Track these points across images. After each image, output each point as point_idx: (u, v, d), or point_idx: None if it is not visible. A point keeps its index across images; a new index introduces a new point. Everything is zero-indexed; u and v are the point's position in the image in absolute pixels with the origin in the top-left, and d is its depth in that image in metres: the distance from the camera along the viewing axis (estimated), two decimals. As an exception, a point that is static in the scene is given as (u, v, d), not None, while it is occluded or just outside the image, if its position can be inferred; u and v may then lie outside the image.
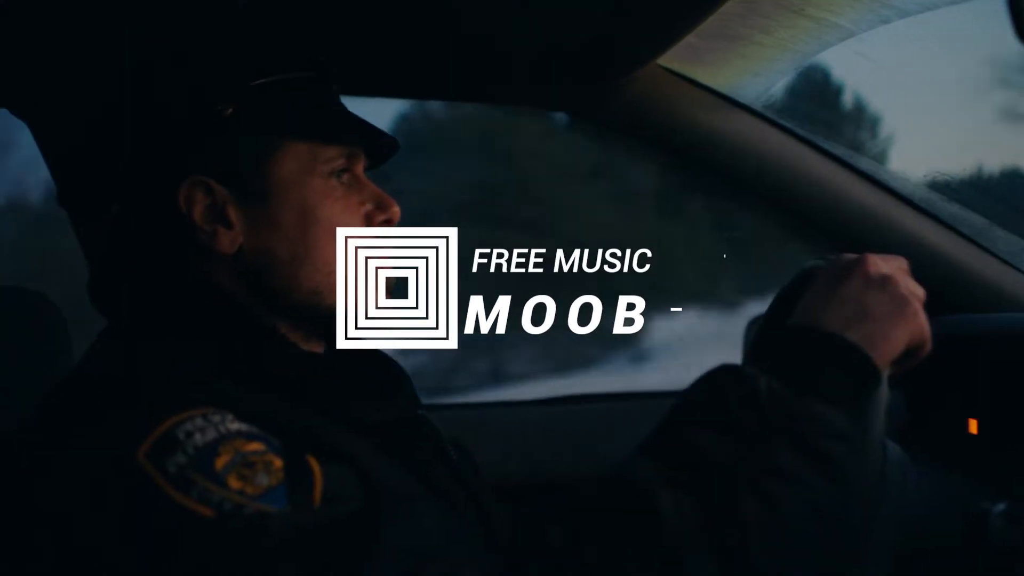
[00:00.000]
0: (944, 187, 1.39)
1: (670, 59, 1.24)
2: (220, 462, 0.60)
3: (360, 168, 0.81)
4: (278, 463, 0.61)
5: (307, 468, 0.63)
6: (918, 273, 0.68)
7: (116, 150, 0.75)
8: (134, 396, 0.64)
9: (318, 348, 0.81)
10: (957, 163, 1.55)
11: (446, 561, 0.61)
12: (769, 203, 1.39)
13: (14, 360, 0.82)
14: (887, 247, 1.39)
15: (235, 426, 0.62)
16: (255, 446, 0.62)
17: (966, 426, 1.18)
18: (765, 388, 0.62)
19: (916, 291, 0.68)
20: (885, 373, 0.65)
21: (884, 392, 0.65)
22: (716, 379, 0.64)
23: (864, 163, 1.38)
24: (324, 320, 0.79)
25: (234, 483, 0.59)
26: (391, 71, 1.26)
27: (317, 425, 0.69)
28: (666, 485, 0.59)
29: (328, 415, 0.71)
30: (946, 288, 1.39)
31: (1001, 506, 0.93)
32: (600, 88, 1.28)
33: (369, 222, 0.79)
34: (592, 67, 1.23)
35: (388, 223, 0.80)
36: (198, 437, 0.60)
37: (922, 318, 0.67)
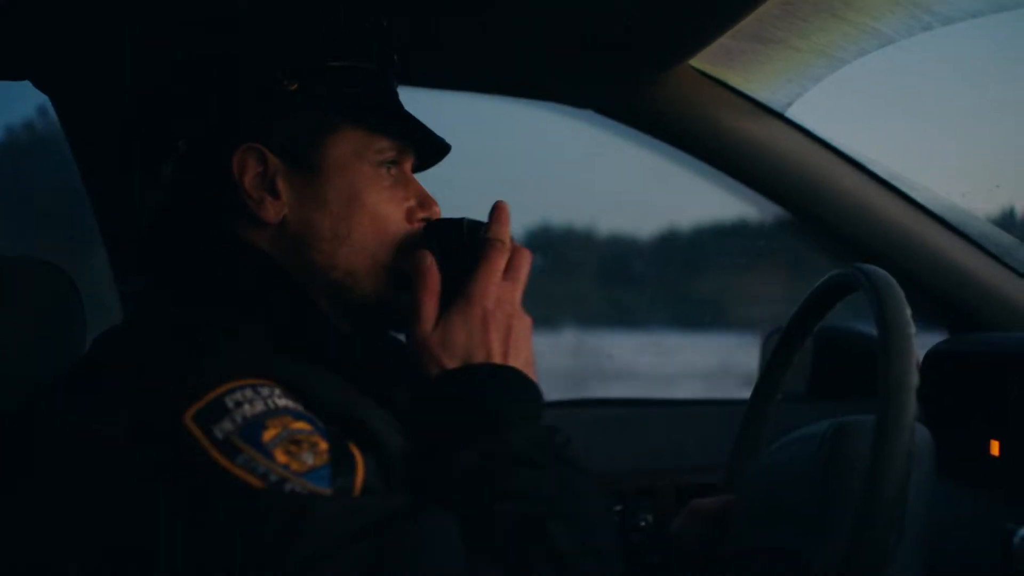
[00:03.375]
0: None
1: (702, 60, 1.22)
2: (268, 435, 0.60)
3: (408, 166, 0.83)
4: (323, 445, 0.62)
5: (351, 456, 0.63)
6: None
7: (179, 108, 0.77)
8: (187, 357, 0.65)
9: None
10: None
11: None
12: (795, 211, 1.38)
13: (29, 331, 0.81)
14: (912, 261, 1.39)
15: (283, 402, 0.63)
16: (302, 425, 0.62)
17: (988, 447, 1.15)
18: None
19: None
20: None
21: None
22: None
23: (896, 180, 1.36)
24: (355, 308, 0.79)
25: (280, 457, 0.59)
26: (421, 62, 1.24)
27: (360, 407, 0.69)
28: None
29: (366, 395, 0.71)
30: (970, 306, 1.38)
31: (1024, 531, 0.91)
32: (630, 86, 1.26)
33: (410, 217, 0.81)
34: (623, 65, 1.21)
35: (428, 221, 0.81)
36: (247, 408, 0.61)
37: None
